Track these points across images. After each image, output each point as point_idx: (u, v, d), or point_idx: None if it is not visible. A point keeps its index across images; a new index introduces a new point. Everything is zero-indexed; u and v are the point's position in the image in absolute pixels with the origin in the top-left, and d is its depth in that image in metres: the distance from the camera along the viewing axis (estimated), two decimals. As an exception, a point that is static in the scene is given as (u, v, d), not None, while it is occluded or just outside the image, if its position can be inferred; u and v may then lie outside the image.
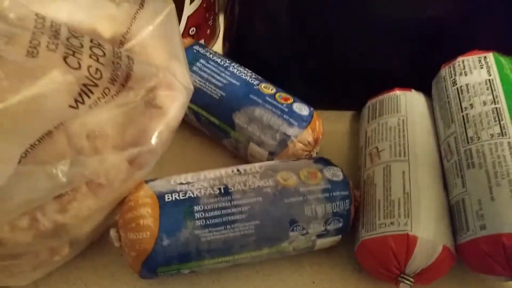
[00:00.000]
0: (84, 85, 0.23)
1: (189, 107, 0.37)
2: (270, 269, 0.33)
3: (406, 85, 0.39)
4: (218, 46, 0.49)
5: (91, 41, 0.24)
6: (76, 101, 0.22)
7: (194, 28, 0.44)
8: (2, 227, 0.25)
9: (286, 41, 0.40)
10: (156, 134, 0.27)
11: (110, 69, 0.24)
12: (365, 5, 0.37)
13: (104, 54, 0.24)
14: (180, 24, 0.43)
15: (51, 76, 0.21)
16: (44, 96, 0.21)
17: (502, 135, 0.30)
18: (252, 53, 0.42)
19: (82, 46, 0.23)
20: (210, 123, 0.37)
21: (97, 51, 0.24)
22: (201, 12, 0.44)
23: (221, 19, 0.49)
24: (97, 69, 0.23)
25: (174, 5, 0.31)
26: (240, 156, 0.38)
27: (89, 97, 0.23)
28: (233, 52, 0.44)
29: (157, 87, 0.29)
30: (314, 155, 0.37)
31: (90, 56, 0.23)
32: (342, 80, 0.42)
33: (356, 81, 0.42)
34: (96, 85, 0.23)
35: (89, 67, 0.23)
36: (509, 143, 0.30)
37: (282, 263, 0.34)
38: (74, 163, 0.25)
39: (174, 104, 0.29)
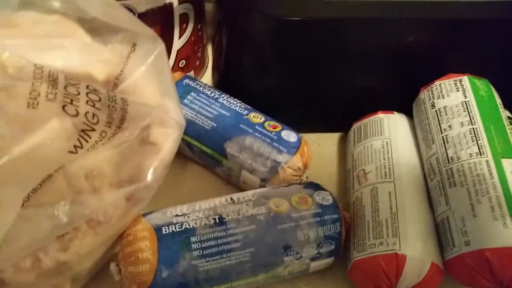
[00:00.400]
0: (82, 130, 0.24)
1: (182, 138, 0.39)
2: (267, 292, 0.35)
3: (389, 108, 0.41)
4: (208, 75, 0.51)
5: (87, 87, 0.26)
6: (75, 146, 0.24)
7: (184, 61, 0.46)
8: (6, 269, 0.26)
9: (271, 71, 0.42)
10: (151, 170, 0.29)
11: (106, 113, 0.26)
12: (347, 36, 0.39)
13: (100, 99, 0.26)
14: (170, 58, 0.44)
15: (51, 125, 0.23)
16: (45, 144, 0.22)
17: (480, 154, 0.32)
18: (240, 83, 0.44)
19: (79, 93, 0.25)
20: (203, 153, 0.39)
21: (93, 96, 0.26)
22: (190, 45, 0.45)
23: (209, 49, 0.51)
24: (93, 114, 0.25)
25: (164, 45, 0.33)
26: (233, 183, 0.40)
27: (87, 141, 0.24)
28: (222, 81, 0.46)
29: (151, 125, 0.30)
30: (305, 179, 0.38)
31: (87, 102, 0.25)
32: (328, 105, 0.43)
33: (341, 105, 0.43)
34: (93, 130, 0.25)
35: (86, 113, 0.24)
36: (487, 161, 0.31)
37: (278, 286, 0.35)
38: (74, 203, 0.26)
39: (168, 140, 0.30)
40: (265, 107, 0.40)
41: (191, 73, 0.48)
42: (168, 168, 0.31)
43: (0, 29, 0.28)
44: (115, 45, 0.30)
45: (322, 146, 0.45)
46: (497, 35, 0.39)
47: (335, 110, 0.44)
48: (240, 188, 0.39)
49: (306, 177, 0.38)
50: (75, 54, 0.28)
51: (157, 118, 0.30)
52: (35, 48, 0.27)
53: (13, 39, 0.27)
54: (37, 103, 0.23)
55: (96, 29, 0.32)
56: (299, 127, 0.42)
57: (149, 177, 0.29)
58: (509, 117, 0.39)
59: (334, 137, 0.46)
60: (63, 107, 0.23)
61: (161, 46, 0.33)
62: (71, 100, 0.24)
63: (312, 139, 0.46)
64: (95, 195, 0.27)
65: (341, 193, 0.40)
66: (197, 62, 0.49)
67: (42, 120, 0.23)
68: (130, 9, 0.38)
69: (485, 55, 0.41)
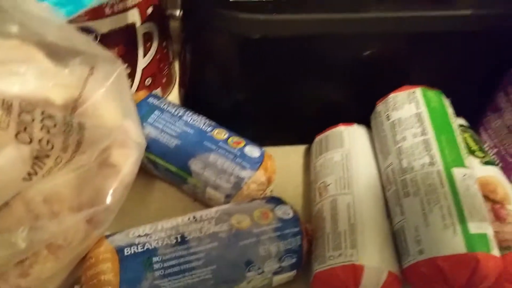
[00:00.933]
0: (36, 157, 0.24)
1: (146, 157, 0.39)
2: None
3: (353, 120, 0.42)
4: (176, 91, 0.52)
5: (42, 113, 0.26)
6: (29, 174, 0.24)
7: (150, 79, 0.47)
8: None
9: (235, 87, 0.43)
10: (110, 192, 0.29)
11: (61, 138, 0.26)
12: (308, 53, 0.40)
13: (55, 124, 0.26)
14: (136, 77, 0.45)
15: (4, 154, 0.23)
16: (-2, 173, 0.23)
17: (432, 165, 0.33)
18: (205, 99, 0.44)
19: (33, 120, 0.25)
20: (168, 171, 0.39)
21: (48, 122, 0.26)
22: (155, 63, 0.46)
23: (177, 66, 0.52)
24: (48, 140, 0.25)
25: (123, 66, 0.33)
26: (199, 199, 0.40)
27: (41, 168, 0.25)
28: (188, 98, 0.47)
29: (110, 147, 0.30)
30: (269, 193, 0.39)
31: (41, 129, 0.25)
32: (293, 119, 0.44)
33: (306, 119, 0.44)
34: (48, 156, 0.25)
35: (40, 140, 0.25)
36: (438, 171, 0.33)
37: (245, 301, 0.35)
38: (32, 228, 0.26)
39: (128, 161, 0.31)
40: (231, 122, 0.41)
41: (158, 90, 0.49)
42: (129, 188, 0.32)
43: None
44: (73, 68, 0.31)
45: (288, 159, 0.46)
46: (452, 48, 0.41)
47: (300, 123, 0.45)
48: (207, 204, 0.40)
49: (271, 191, 0.39)
50: (31, 79, 0.29)
51: (116, 140, 0.31)
52: (-10, 75, 0.27)
53: (-32, 66, 0.28)
54: (-11, 133, 0.23)
55: (55, 53, 0.32)
56: (265, 141, 0.43)
57: (109, 199, 0.29)
58: (461, 125, 0.41)
59: (300, 149, 0.47)
60: (16, 135, 0.24)
61: (120, 67, 0.33)
62: (25, 128, 0.24)
63: (278, 152, 0.46)
64: (54, 220, 0.27)
65: (306, 205, 0.41)
66: (164, 80, 0.49)
67: (-6, 150, 0.23)
68: (92, 31, 0.38)
69: (442, 67, 0.42)
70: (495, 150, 0.41)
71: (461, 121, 0.42)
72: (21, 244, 0.26)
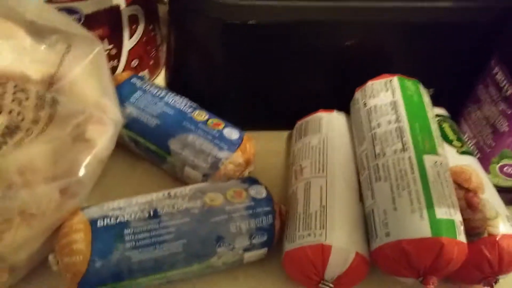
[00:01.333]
0: (6, 127, 0.25)
1: (128, 135, 0.40)
2: (206, 282, 0.36)
3: (335, 107, 0.43)
4: (163, 74, 0.52)
5: (15, 86, 0.27)
6: (-1, 142, 0.25)
7: (137, 60, 0.47)
8: None
9: (218, 72, 0.43)
10: (83, 165, 0.30)
11: (33, 112, 0.27)
12: (290, 40, 0.40)
13: (27, 98, 0.27)
14: (122, 58, 0.46)
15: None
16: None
17: (404, 151, 0.33)
18: (189, 82, 0.45)
19: (5, 92, 0.26)
20: (148, 150, 0.40)
21: (20, 95, 0.27)
22: (141, 45, 0.47)
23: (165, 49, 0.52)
24: (19, 112, 0.26)
25: (102, 46, 0.34)
26: (179, 178, 0.41)
27: (12, 138, 0.25)
28: (172, 80, 0.47)
29: (86, 123, 0.31)
30: (247, 174, 0.40)
31: (12, 101, 0.26)
32: (275, 104, 0.45)
33: (288, 105, 0.45)
34: (18, 127, 0.26)
35: (10, 111, 0.26)
36: (409, 157, 0.33)
37: (218, 277, 0.36)
38: (4, 196, 0.27)
39: (103, 137, 0.32)
40: (214, 106, 0.42)
41: (146, 72, 0.50)
42: (103, 163, 0.33)
43: None
44: (51, 45, 0.32)
45: (271, 142, 0.47)
46: (434, 38, 0.41)
47: (282, 109, 0.45)
48: (186, 184, 0.40)
49: (248, 173, 0.40)
50: (8, 54, 0.29)
51: (92, 116, 0.31)
52: (-33, 48, 0.28)
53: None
54: (-40, 101, 0.24)
55: (34, 31, 0.33)
56: (248, 125, 0.44)
57: (82, 171, 0.30)
58: (441, 115, 0.41)
59: (283, 134, 0.48)
60: (-13, 105, 0.25)
61: (99, 47, 0.34)
62: (-4, 98, 0.25)
63: (262, 136, 0.47)
64: (27, 189, 0.28)
65: (285, 188, 0.42)
66: (151, 62, 0.50)
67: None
68: (76, 11, 0.39)
69: (424, 57, 0.43)
70: (474, 140, 0.41)
71: (441, 111, 0.42)
72: (-7, 211, 0.26)
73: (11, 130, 0.25)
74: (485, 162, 0.40)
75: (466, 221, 0.35)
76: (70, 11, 0.39)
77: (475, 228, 0.35)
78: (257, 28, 0.39)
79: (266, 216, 0.34)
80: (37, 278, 0.35)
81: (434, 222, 0.30)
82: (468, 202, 0.36)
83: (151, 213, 0.32)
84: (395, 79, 0.37)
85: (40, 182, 0.29)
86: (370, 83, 0.38)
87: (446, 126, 0.41)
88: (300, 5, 0.38)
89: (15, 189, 0.28)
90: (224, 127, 0.39)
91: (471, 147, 0.41)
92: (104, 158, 0.32)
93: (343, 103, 0.42)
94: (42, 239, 0.31)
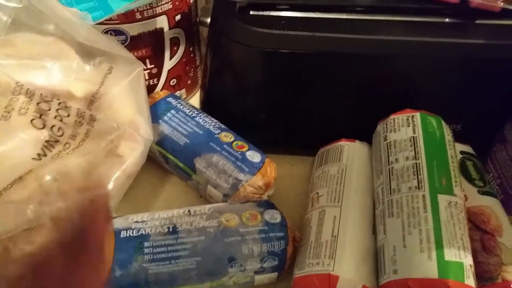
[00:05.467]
0: (47, 141, 0.28)
1: (159, 152, 0.43)
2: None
3: (356, 135, 0.43)
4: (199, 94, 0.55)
5: (59, 103, 0.30)
6: (38, 154, 0.28)
7: (175, 80, 0.50)
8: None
9: (248, 96, 0.45)
10: (113, 179, 0.33)
11: (72, 127, 0.30)
12: (319, 69, 0.41)
13: (69, 114, 0.30)
14: (161, 77, 0.49)
15: (20, 135, 0.27)
16: (12, 151, 0.27)
17: (419, 188, 0.34)
18: (220, 103, 0.47)
19: (49, 109, 0.29)
20: (176, 166, 0.42)
21: (62, 112, 0.30)
22: (181, 65, 0.50)
23: (203, 69, 0.55)
24: (59, 128, 0.29)
25: (142, 68, 0.37)
26: (203, 196, 0.43)
27: (50, 150, 0.28)
28: (206, 100, 0.50)
29: (119, 139, 0.34)
30: (266, 197, 0.41)
31: (55, 117, 0.29)
32: (301, 130, 0.46)
33: (314, 131, 0.46)
34: (58, 141, 0.29)
35: (52, 126, 0.29)
36: (423, 195, 0.33)
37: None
38: (41, 202, 0.30)
39: (133, 153, 0.34)
40: (242, 128, 0.44)
41: (183, 91, 0.53)
42: (132, 178, 0.35)
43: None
44: (95, 66, 0.35)
45: (295, 167, 0.48)
46: (464, 75, 0.41)
47: (307, 135, 0.47)
48: (209, 201, 0.42)
49: (268, 196, 0.41)
50: (58, 74, 0.33)
51: (125, 133, 0.34)
52: (22, 67, 0.32)
53: (7, 58, 0.32)
54: (10, 116, 0.27)
55: (82, 52, 0.36)
56: (274, 148, 0.46)
57: (111, 185, 0.32)
58: (466, 153, 0.41)
59: (308, 160, 0.49)
60: (32, 120, 0.28)
61: (139, 69, 0.37)
62: (41, 115, 0.28)
63: (287, 160, 0.49)
64: (61, 197, 0.31)
65: (303, 213, 0.43)
66: (189, 81, 0.53)
67: (12, 131, 0.27)
68: (123, 33, 0.42)
69: (452, 94, 0.43)
70: (499, 181, 0.40)
71: (467, 148, 0.42)
72: (29, 214, 0.29)
73: (51, 144, 0.28)
74: (508, 204, 0.39)
75: (479, 264, 0.35)
76: (118, 32, 0.42)
77: (489, 272, 0.35)
78: (288, 56, 0.41)
79: (279, 242, 0.35)
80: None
81: (442, 264, 0.30)
82: (484, 245, 0.35)
83: (170, 228, 0.34)
84: (417, 115, 0.38)
85: (72, 191, 0.32)
86: (392, 117, 0.39)
87: (469, 164, 0.40)
88: (329, 36, 0.40)
89: (51, 197, 0.31)
90: (247, 150, 0.41)
91: (495, 187, 0.40)
92: (133, 172, 0.35)
93: (367, 133, 0.43)
94: (71, 244, 0.34)
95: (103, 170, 0.33)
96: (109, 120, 0.33)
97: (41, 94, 0.30)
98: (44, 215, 0.31)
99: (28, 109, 0.28)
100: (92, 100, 0.34)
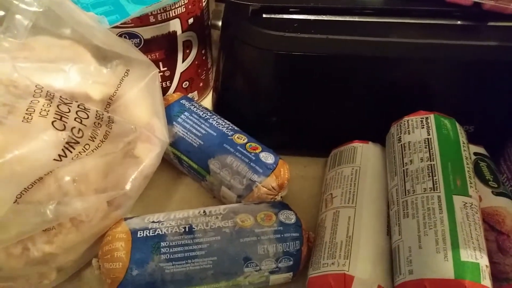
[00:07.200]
0: (67, 143, 0.29)
1: (173, 153, 0.43)
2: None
3: (369, 137, 0.43)
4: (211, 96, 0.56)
5: (78, 106, 0.31)
6: (59, 155, 0.28)
7: (187, 82, 0.51)
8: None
9: (261, 98, 0.45)
10: (130, 180, 0.33)
11: (91, 129, 0.30)
12: (332, 71, 0.42)
13: (88, 116, 0.31)
14: (174, 79, 0.49)
15: (41, 137, 0.28)
16: (33, 152, 0.27)
17: (434, 190, 0.34)
18: (232, 105, 0.48)
19: (69, 111, 0.30)
20: (190, 167, 0.43)
21: (82, 114, 0.30)
22: (193, 68, 0.50)
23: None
24: (79, 129, 0.29)
25: (157, 70, 0.37)
26: (217, 197, 0.44)
27: (71, 152, 0.29)
28: (218, 103, 0.50)
29: (136, 141, 0.34)
30: (279, 198, 0.41)
31: (75, 119, 0.30)
32: (314, 132, 0.47)
33: (327, 133, 0.46)
34: (77, 143, 0.29)
35: (72, 128, 0.29)
36: (439, 197, 0.33)
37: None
38: (60, 203, 0.31)
39: (149, 155, 0.35)
40: (255, 129, 0.44)
41: (195, 93, 0.53)
42: (148, 179, 0.36)
43: (17, 52, 0.34)
44: (112, 69, 0.35)
45: (307, 168, 0.49)
46: (477, 77, 0.41)
47: (320, 136, 0.47)
48: (223, 202, 0.43)
49: (281, 197, 0.42)
50: (76, 76, 0.33)
51: (142, 135, 0.35)
52: (41, 70, 0.32)
53: (25, 61, 0.33)
54: (31, 118, 0.28)
55: (99, 55, 0.37)
56: (287, 150, 0.46)
57: (128, 185, 0.33)
58: (479, 154, 0.41)
59: (321, 161, 0.49)
60: (53, 122, 0.28)
61: (154, 72, 0.37)
62: (61, 117, 0.29)
63: (300, 161, 0.49)
64: (80, 198, 0.32)
65: (316, 214, 0.43)
66: (201, 84, 0.53)
67: (33, 132, 0.27)
68: (137, 36, 0.43)
69: (466, 95, 0.43)
70: (512, 182, 0.40)
71: (480, 149, 0.42)
72: (49, 215, 0.30)
73: (71, 145, 0.29)
74: (522, 206, 0.39)
75: (495, 265, 0.35)
76: (132, 35, 0.43)
77: (504, 272, 0.35)
78: (301, 59, 0.41)
79: (294, 242, 0.35)
80: (80, 279, 0.38)
81: (458, 264, 0.31)
82: (499, 245, 0.35)
83: (187, 229, 0.35)
84: (431, 117, 0.38)
85: (91, 192, 0.32)
86: (406, 119, 0.39)
87: (483, 165, 0.40)
88: (342, 39, 0.40)
89: (69, 197, 0.31)
90: (261, 151, 0.41)
91: (509, 188, 0.40)
92: (149, 174, 0.35)
93: (380, 134, 0.43)
94: (88, 244, 0.34)
95: (121, 171, 0.33)
96: (126, 122, 0.33)
97: (60, 97, 0.30)
98: (63, 215, 0.31)
99: (48, 111, 0.29)
100: (109, 102, 0.35)
